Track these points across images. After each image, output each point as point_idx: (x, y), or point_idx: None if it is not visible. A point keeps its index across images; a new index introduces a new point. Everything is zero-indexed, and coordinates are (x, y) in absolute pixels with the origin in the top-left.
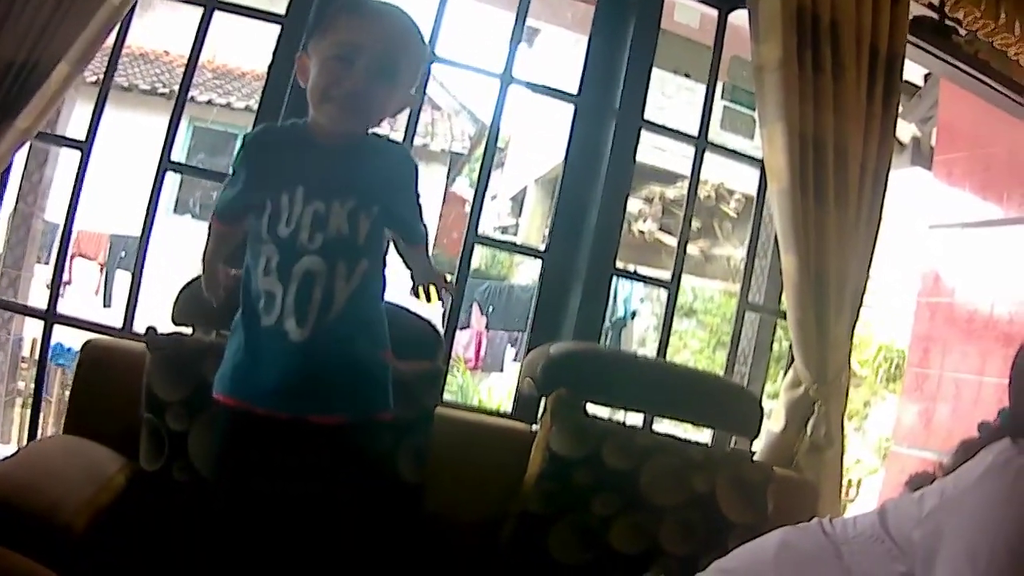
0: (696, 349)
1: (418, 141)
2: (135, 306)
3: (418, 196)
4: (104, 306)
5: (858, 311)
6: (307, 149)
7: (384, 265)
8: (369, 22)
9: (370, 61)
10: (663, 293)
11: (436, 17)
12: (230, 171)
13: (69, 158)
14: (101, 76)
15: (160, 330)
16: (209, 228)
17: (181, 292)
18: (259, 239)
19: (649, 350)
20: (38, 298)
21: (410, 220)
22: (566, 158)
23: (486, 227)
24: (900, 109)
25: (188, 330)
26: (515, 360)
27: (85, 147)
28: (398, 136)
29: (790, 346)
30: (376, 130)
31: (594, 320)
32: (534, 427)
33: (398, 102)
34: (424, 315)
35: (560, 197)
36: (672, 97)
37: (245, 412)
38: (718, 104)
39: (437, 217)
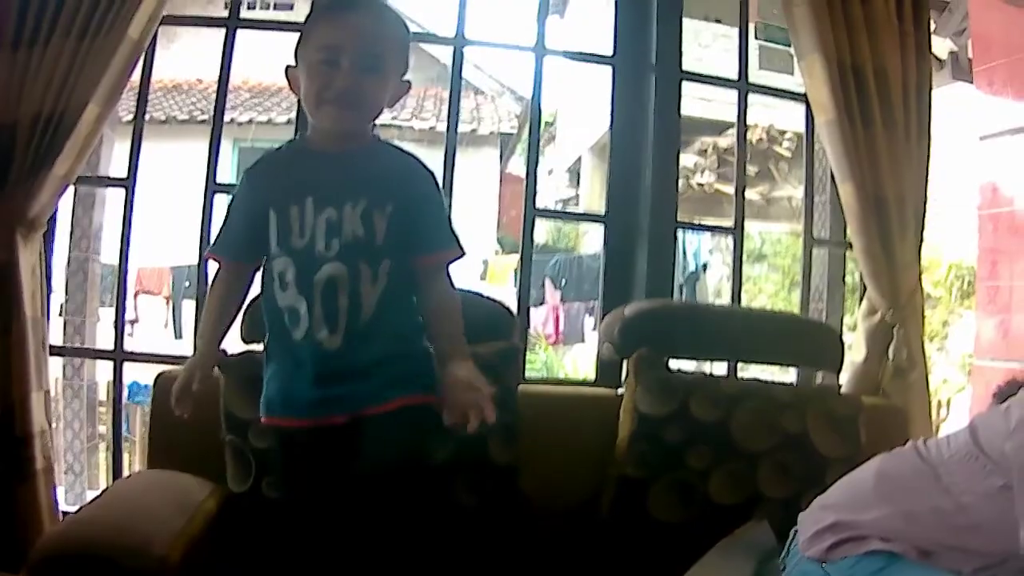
0: (771, 292)
1: (465, 128)
2: None
3: (439, 204)
4: (176, 338)
5: (922, 231)
6: (310, 160)
7: (416, 258)
8: (346, 21)
9: (354, 58)
10: (732, 242)
11: (460, 2)
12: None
13: (118, 198)
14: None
15: (231, 350)
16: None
17: (247, 310)
18: (271, 256)
19: (725, 300)
20: (106, 341)
21: (429, 225)
22: (612, 121)
23: (547, 201)
24: (932, 25)
25: (259, 347)
26: (594, 329)
27: (128, 184)
28: (442, 126)
29: (861, 275)
30: (425, 121)
31: (664, 277)
32: (619, 391)
33: (392, 91)
34: (495, 297)
35: (612, 160)
36: (709, 46)
37: (297, 429)
38: (753, 45)
39: (496, 199)
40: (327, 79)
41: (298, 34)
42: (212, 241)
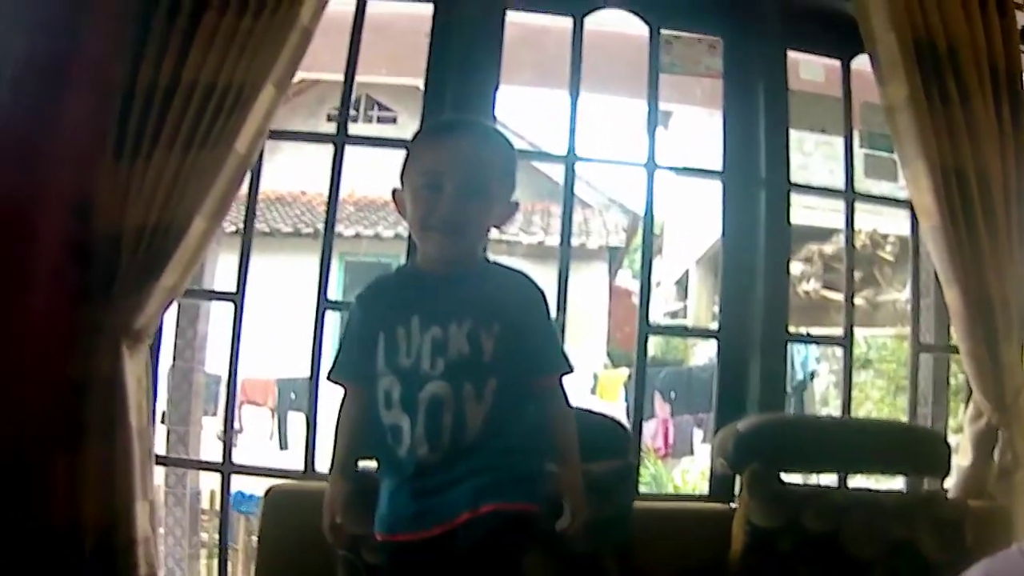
0: (877, 399)
1: (574, 241)
2: (314, 447)
3: (549, 324)
4: (281, 449)
5: None
6: (419, 283)
7: (525, 379)
8: (449, 145)
9: (458, 183)
10: (838, 349)
11: (571, 117)
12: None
13: (221, 309)
14: (240, 225)
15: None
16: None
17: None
18: (378, 374)
19: (832, 407)
20: (209, 450)
21: (540, 346)
22: (723, 235)
23: (655, 314)
24: None
25: (372, 463)
26: (703, 441)
27: (237, 299)
28: (554, 240)
29: (967, 379)
30: (533, 236)
31: (776, 389)
32: (732, 505)
33: (499, 214)
34: (608, 413)
35: (724, 275)
36: (811, 154)
37: (401, 544)
38: (858, 153)
39: (607, 314)
40: (431, 205)
41: (404, 150)
42: (331, 365)
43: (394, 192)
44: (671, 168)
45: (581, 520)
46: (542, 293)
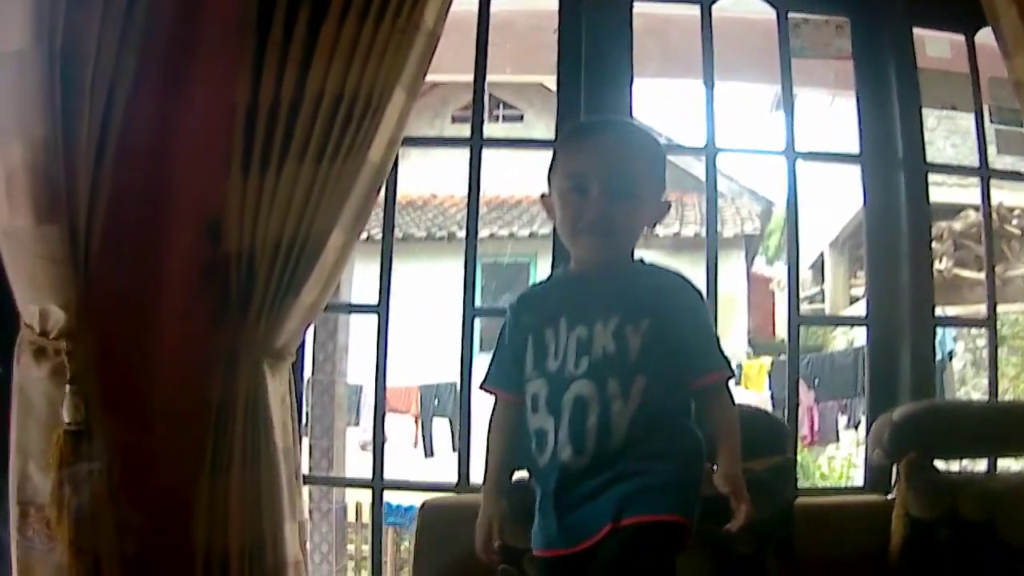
0: (1012, 375)
1: (706, 230)
2: (468, 459)
3: (706, 323)
4: (426, 456)
5: None
6: (568, 285)
7: (680, 381)
8: (594, 145)
9: (604, 185)
10: (973, 328)
11: (707, 108)
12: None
13: (360, 319)
14: (373, 232)
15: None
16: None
17: None
18: (527, 379)
19: (970, 387)
20: (353, 462)
21: (694, 345)
22: (865, 220)
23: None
24: None
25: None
26: (847, 427)
27: (381, 311)
28: (689, 231)
29: None
30: (668, 227)
31: (927, 375)
32: (888, 496)
33: (650, 214)
34: (765, 409)
35: (869, 260)
36: (934, 130)
37: (552, 559)
38: (989, 129)
39: (747, 303)
40: (578, 208)
41: (537, 149)
42: (484, 375)
43: (542, 196)
44: (811, 154)
45: (747, 520)
46: (699, 293)
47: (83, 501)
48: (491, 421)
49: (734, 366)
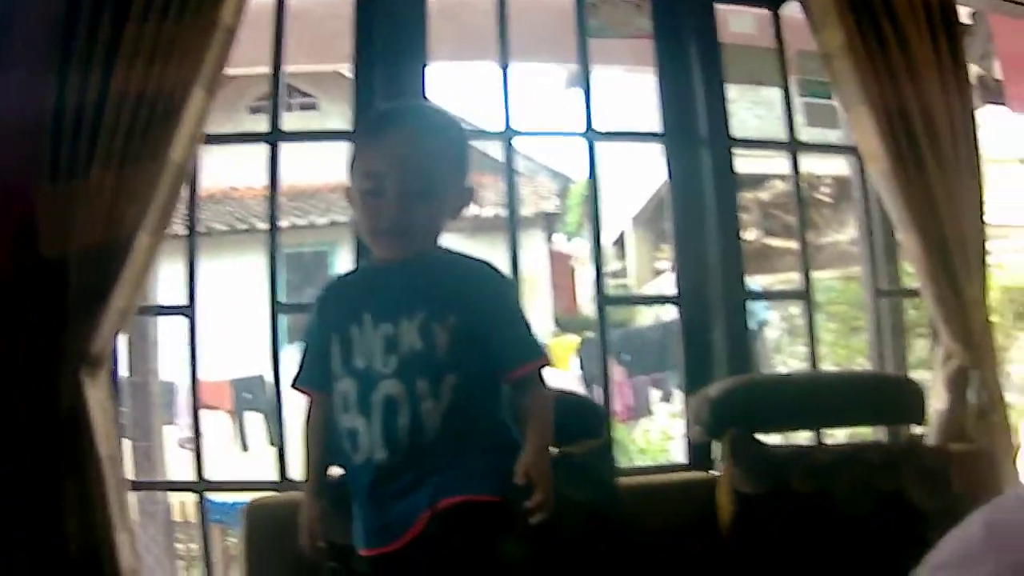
0: (830, 341)
1: (505, 211)
2: (284, 454)
3: (514, 312)
4: (243, 450)
5: (984, 268)
6: (371, 278)
7: (491, 375)
8: (388, 143)
9: (400, 186)
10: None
11: (504, 91)
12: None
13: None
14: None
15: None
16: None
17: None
18: (335, 377)
19: (786, 355)
20: (175, 460)
21: (504, 337)
22: (671, 198)
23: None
24: None
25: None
26: (662, 400)
27: (190, 312)
28: (488, 212)
29: (931, 321)
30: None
31: (741, 349)
32: (712, 472)
33: (453, 205)
34: (580, 392)
35: (676, 238)
36: (736, 101)
37: (378, 557)
38: (796, 102)
39: (549, 280)
40: (374, 211)
41: (338, 142)
42: (294, 375)
43: (347, 190)
44: (610, 135)
45: (546, 500)
46: (507, 280)
47: None
48: (306, 420)
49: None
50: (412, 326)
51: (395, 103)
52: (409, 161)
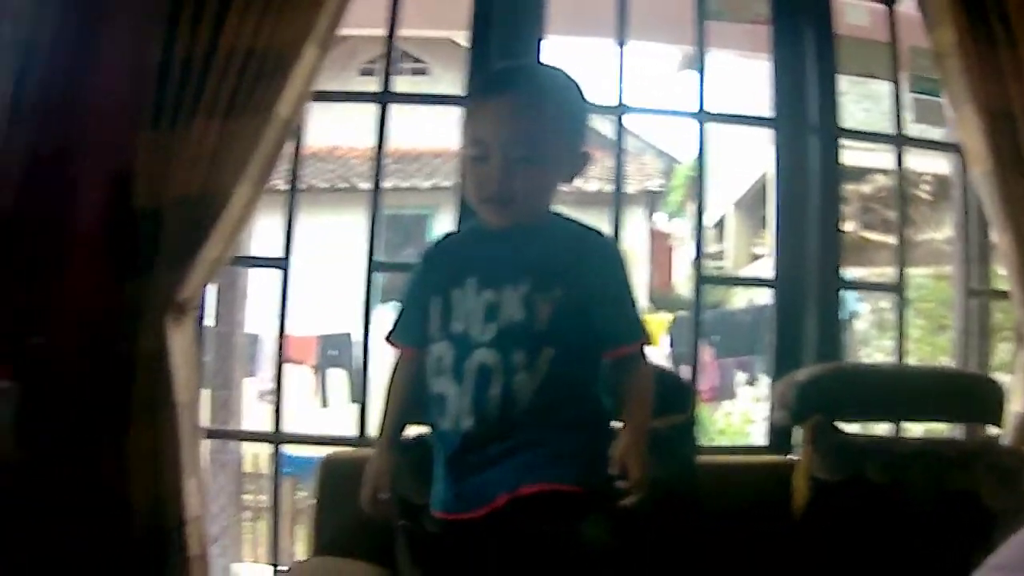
0: (916, 338)
1: (610, 187)
2: (366, 412)
3: (622, 289)
4: (322, 406)
5: None
6: (480, 241)
7: (592, 352)
8: (494, 109)
9: (504, 152)
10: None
11: (619, 68)
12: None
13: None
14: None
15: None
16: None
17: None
18: (432, 340)
19: (872, 348)
20: (252, 412)
21: (609, 314)
22: (777, 184)
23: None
24: None
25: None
26: (747, 384)
27: (284, 264)
28: (592, 187)
29: (1016, 325)
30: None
31: (832, 338)
32: (790, 456)
33: (565, 171)
34: (668, 368)
35: (777, 223)
36: (846, 92)
37: (451, 522)
38: (905, 97)
39: (648, 258)
40: (479, 178)
41: (447, 106)
42: (390, 327)
43: (460, 156)
44: (721, 117)
45: (639, 486)
46: (619, 253)
47: None
48: (392, 373)
49: None
50: (515, 295)
51: (506, 64)
52: (515, 126)
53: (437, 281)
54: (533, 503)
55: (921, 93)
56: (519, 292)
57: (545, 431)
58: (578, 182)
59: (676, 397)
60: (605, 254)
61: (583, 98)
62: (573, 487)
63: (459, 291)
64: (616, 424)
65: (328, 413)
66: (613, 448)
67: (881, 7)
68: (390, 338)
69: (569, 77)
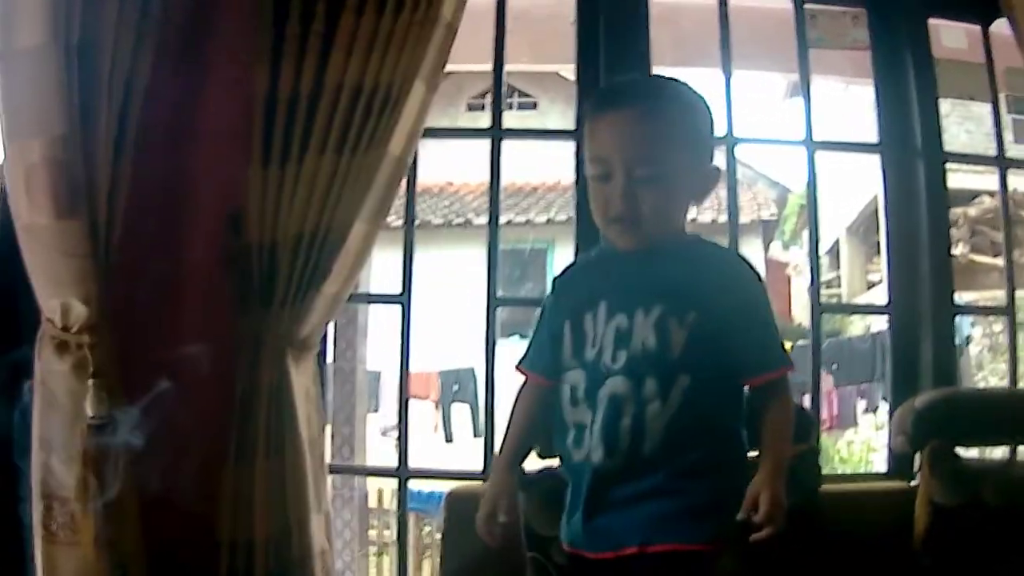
0: None
1: (723, 217)
2: (491, 447)
3: (762, 314)
4: (446, 441)
5: None
6: (611, 264)
7: (730, 382)
8: (612, 124)
9: (626, 171)
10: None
11: (726, 98)
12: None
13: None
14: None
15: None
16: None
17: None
18: (565, 367)
19: (987, 372)
20: (374, 449)
21: (748, 339)
22: (885, 209)
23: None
24: None
25: (556, 462)
26: (866, 412)
27: (404, 300)
28: (705, 218)
29: None
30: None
31: (948, 362)
32: (912, 482)
33: (694, 187)
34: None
35: (889, 249)
36: (948, 115)
37: (577, 557)
38: (1005, 117)
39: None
40: (603, 199)
41: (558, 140)
42: (523, 354)
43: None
44: (830, 144)
45: (774, 523)
46: (756, 276)
47: (107, 494)
48: (516, 398)
49: None
50: (647, 320)
51: (624, 78)
52: (636, 142)
53: (569, 307)
54: (661, 565)
55: (1021, 113)
56: (651, 316)
57: (679, 476)
58: (692, 213)
59: (799, 427)
60: (743, 276)
61: (708, 110)
62: (704, 545)
63: (590, 316)
64: (753, 453)
65: (452, 448)
66: (749, 487)
67: (976, 29)
68: (519, 366)
69: (691, 89)
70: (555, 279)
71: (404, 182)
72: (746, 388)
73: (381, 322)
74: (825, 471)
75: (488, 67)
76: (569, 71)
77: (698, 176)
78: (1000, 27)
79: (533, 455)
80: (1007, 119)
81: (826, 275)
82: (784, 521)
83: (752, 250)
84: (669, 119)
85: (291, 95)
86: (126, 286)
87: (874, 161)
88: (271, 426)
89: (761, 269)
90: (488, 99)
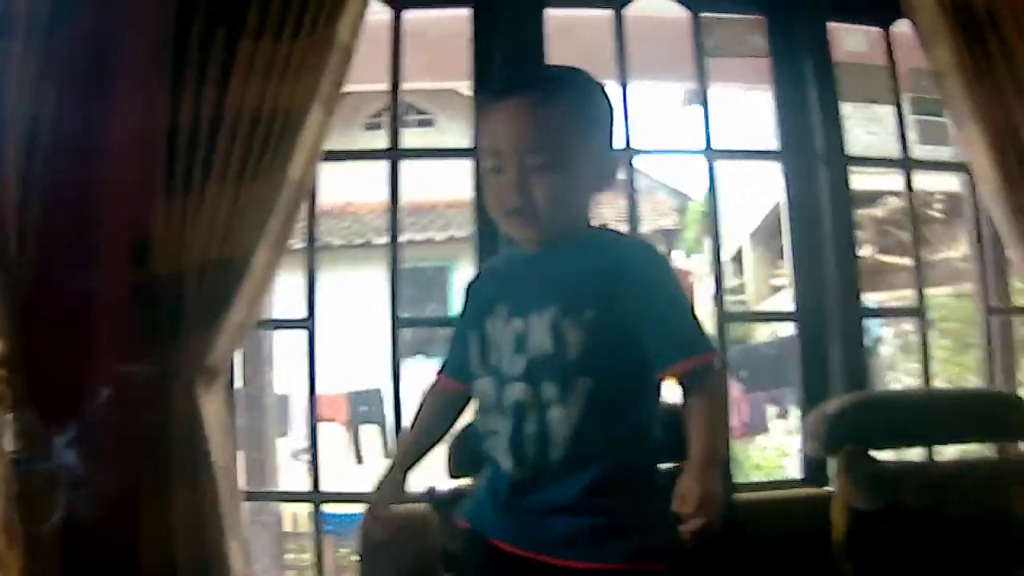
0: (942, 359)
1: (624, 227)
2: None
3: (670, 297)
4: (357, 463)
5: None
6: (513, 265)
7: (640, 379)
8: (506, 113)
9: (519, 162)
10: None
11: (623, 111)
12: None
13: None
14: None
15: (440, 487)
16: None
17: (454, 443)
18: (475, 374)
19: (900, 372)
20: (287, 472)
21: (661, 329)
22: (789, 216)
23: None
24: None
25: (467, 481)
26: (777, 417)
27: (309, 325)
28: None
29: None
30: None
31: (858, 366)
32: (827, 488)
33: (594, 180)
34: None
35: (793, 256)
36: (850, 117)
37: (493, 547)
38: (909, 119)
39: None
40: (497, 191)
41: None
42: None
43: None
44: (729, 153)
45: (708, 525)
46: (663, 259)
47: (31, 527)
48: (422, 398)
49: None
50: (541, 322)
51: (523, 68)
52: (531, 132)
53: (475, 312)
54: (580, 573)
55: (925, 114)
56: (544, 318)
57: (592, 494)
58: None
59: None
60: (649, 264)
61: (606, 97)
62: (625, 564)
63: (491, 322)
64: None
65: (363, 469)
66: (677, 486)
67: (877, 31)
68: (439, 372)
69: (588, 76)
70: (467, 285)
71: (304, 205)
72: (664, 383)
73: (287, 346)
74: (739, 478)
75: (385, 86)
76: (465, 87)
77: (598, 164)
78: (902, 27)
79: (444, 475)
80: (911, 120)
81: (730, 282)
82: (718, 513)
83: None
84: (562, 105)
85: (192, 123)
86: (39, 319)
87: (777, 167)
88: (184, 455)
89: None
90: (386, 118)
